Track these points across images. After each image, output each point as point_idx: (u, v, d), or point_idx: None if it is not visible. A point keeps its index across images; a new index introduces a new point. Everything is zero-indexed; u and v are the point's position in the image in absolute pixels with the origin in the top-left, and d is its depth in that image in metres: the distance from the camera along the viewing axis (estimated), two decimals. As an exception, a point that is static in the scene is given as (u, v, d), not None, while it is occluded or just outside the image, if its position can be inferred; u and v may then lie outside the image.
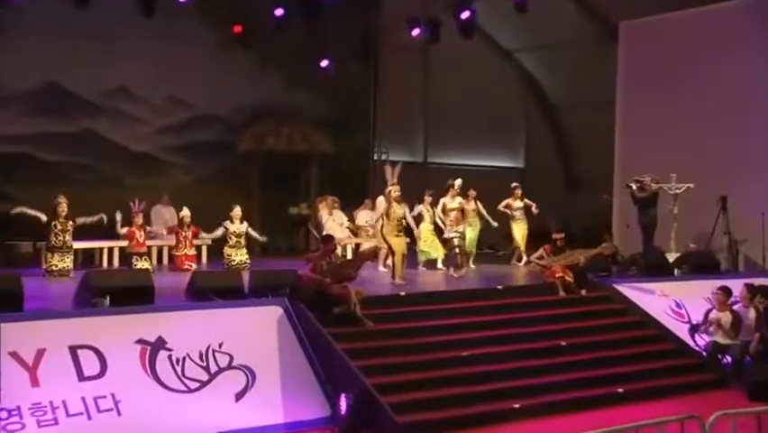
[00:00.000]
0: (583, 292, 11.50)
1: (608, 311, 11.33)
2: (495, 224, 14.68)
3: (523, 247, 14.93)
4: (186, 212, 13.88)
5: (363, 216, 16.06)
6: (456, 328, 9.92)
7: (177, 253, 13.75)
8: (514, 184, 15.23)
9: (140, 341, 8.13)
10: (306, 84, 18.48)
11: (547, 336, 10.24)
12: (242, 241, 13.63)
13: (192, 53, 17.06)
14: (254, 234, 13.83)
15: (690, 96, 15.77)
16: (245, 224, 13.74)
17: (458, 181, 13.73)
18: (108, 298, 8.64)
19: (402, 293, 10.68)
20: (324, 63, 18.25)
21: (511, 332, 10.18)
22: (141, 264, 12.68)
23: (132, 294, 8.80)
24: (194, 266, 13.54)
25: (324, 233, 13.03)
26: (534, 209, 14.86)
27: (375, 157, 19.49)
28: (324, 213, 15.05)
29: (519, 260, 15.01)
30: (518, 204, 14.97)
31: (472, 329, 10.00)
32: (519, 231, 14.99)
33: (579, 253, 11.70)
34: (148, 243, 13.58)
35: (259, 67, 18.09)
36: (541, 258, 11.86)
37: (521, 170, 21.75)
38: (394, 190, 12.23)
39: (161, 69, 16.92)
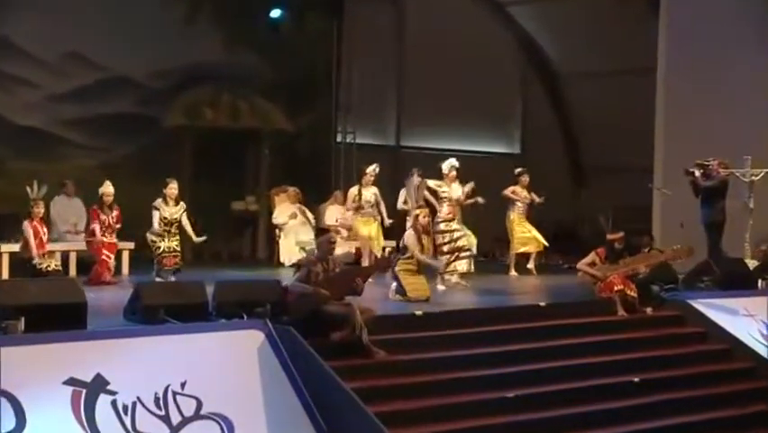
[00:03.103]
0: (649, 311, 11.28)
1: (684, 336, 11.11)
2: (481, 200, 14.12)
3: (533, 249, 14.99)
4: (108, 188, 12.98)
5: (333, 213, 15.56)
6: (495, 360, 9.60)
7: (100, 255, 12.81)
8: (519, 170, 15.35)
9: (70, 381, 7.51)
10: (252, 41, 17.91)
11: (613, 369, 10.01)
12: (174, 230, 12.80)
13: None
14: (188, 227, 12.99)
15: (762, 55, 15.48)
16: (182, 206, 12.80)
17: (452, 162, 13.47)
18: (23, 320, 8.04)
19: (418, 312, 10.20)
20: (276, 14, 17.95)
21: (565, 364, 9.85)
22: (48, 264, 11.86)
23: (57, 315, 8.17)
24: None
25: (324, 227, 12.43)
26: (537, 202, 14.99)
27: (339, 139, 18.94)
28: (282, 207, 14.65)
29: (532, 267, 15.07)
30: (525, 194, 15.10)
31: (515, 361, 9.69)
32: (523, 227, 14.97)
33: (643, 259, 11.22)
34: (50, 247, 12.61)
35: (191, 17, 17.39)
36: (593, 265, 11.33)
37: (516, 156, 21.55)
38: (423, 215, 11.49)
39: (57, 16, 15.99)
